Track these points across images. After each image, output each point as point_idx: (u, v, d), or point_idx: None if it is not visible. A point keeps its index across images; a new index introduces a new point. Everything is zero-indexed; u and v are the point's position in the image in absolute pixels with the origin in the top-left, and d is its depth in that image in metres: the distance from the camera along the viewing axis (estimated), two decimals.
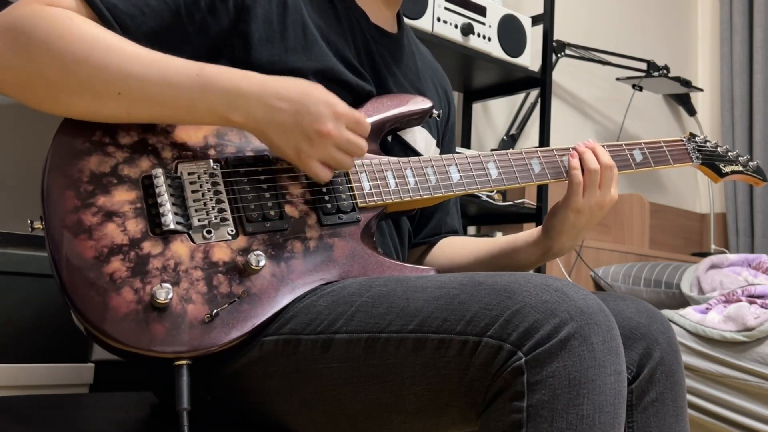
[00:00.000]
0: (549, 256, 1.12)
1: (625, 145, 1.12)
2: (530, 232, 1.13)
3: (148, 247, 0.82)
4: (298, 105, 0.86)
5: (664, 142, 1.16)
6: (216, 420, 0.95)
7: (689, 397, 1.82)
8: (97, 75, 0.82)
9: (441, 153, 1.21)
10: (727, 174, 1.22)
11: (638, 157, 1.12)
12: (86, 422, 1.02)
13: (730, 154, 1.24)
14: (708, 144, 1.22)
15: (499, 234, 2.35)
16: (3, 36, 0.82)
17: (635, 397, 0.90)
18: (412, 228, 1.21)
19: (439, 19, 2.05)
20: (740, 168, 1.23)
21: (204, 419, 0.89)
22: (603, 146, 1.08)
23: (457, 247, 1.22)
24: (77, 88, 0.83)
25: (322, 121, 0.86)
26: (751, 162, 1.26)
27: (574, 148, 1.07)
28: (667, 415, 0.90)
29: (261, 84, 0.87)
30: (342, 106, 0.89)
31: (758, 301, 1.93)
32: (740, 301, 1.96)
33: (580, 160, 1.05)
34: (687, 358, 1.89)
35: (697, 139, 1.21)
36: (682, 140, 1.18)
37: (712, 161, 1.20)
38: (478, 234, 2.51)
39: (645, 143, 1.14)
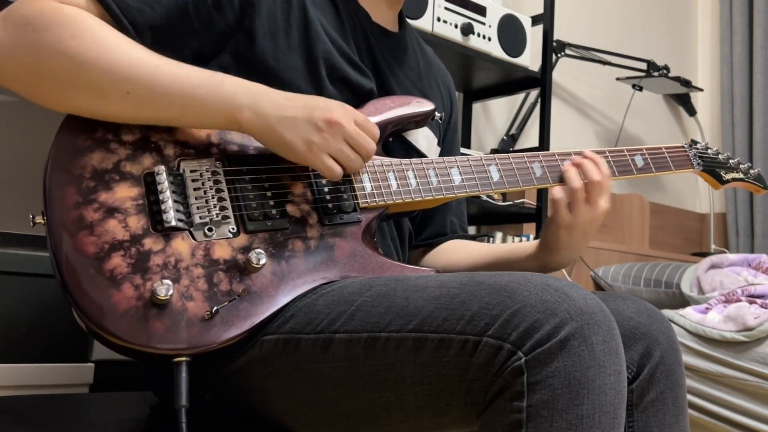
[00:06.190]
0: (547, 269, 1.11)
1: (627, 150, 1.12)
2: (529, 245, 1.13)
3: (149, 243, 0.82)
4: (307, 101, 0.89)
5: (666, 148, 1.16)
6: (215, 420, 0.95)
7: (689, 397, 1.82)
8: (106, 75, 0.83)
9: (442, 151, 1.21)
10: (727, 181, 1.22)
11: (640, 163, 1.12)
12: (86, 422, 1.02)
13: (731, 161, 1.24)
14: (709, 151, 1.22)
15: (499, 234, 2.34)
16: (14, 32, 0.82)
17: (635, 396, 0.90)
18: (414, 229, 1.21)
19: (439, 19, 2.05)
20: (741, 175, 1.24)
21: (203, 419, 0.89)
22: (596, 152, 1.06)
23: (457, 250, 1.22)
24: (85, 88, 0.83)
25: (332, 112, 0.88)
26: (752, 170, 1.26)
27: (574, 157, 1.05)
28: (668, 415, 0.90)
29: (269, 89, 0.89)
30: (351, 107, 0.91)
31: (758, 301, 1.93)
32: (740, 301, 1.96)
33: (580, 170, 1.03)
34: (687, 358, 1.89)
35: (698, 145, 1.21)
36: (683, 146, 1.18)
37: (713, 168, 1.21)
38: (478, 234, 2.51)
39: (647, 149, 1.14)
